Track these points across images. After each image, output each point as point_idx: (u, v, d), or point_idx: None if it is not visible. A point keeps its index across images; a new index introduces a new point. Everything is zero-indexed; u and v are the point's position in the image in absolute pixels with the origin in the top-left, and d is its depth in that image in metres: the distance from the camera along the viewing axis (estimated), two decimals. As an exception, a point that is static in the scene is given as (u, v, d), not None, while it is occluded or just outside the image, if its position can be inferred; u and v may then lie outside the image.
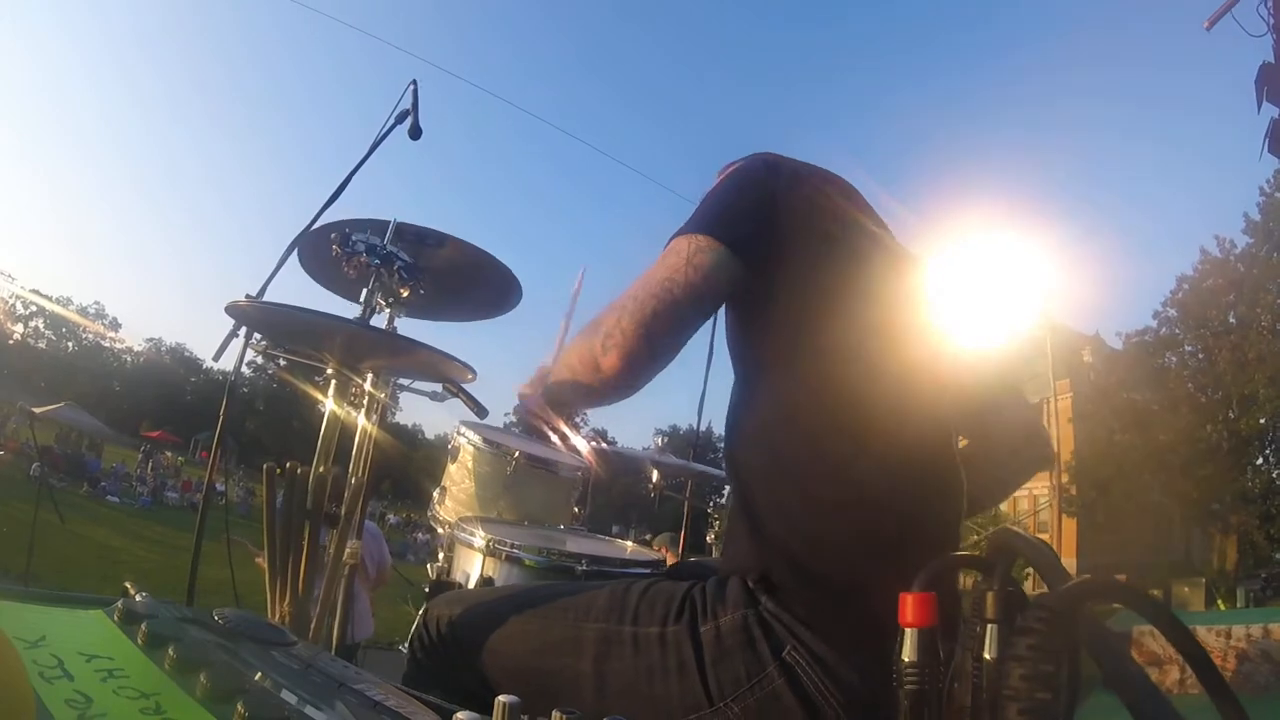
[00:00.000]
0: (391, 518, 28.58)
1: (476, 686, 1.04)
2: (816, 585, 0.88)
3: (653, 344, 0.97)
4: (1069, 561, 19.07)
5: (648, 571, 1.55)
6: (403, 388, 1.78)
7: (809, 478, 0.94)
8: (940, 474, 1.00)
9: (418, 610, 1.23)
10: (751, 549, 0.95)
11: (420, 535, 22.84)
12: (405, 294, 1.65)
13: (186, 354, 54.28)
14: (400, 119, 1.79)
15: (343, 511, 1.43)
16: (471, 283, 1.84)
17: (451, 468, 2.05)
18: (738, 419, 1.05)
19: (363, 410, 1.56)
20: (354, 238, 1.56)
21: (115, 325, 54.98)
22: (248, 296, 1.48)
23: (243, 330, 1.52)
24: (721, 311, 1.08)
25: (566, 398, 1.08)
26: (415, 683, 1.10)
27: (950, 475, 1.02)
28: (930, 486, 0.97)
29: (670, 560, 3.62)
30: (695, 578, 1.03)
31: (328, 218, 1.70)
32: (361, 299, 1.60)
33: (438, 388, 1.75)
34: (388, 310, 1.72)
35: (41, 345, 49.93)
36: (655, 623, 0.95)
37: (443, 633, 1.10)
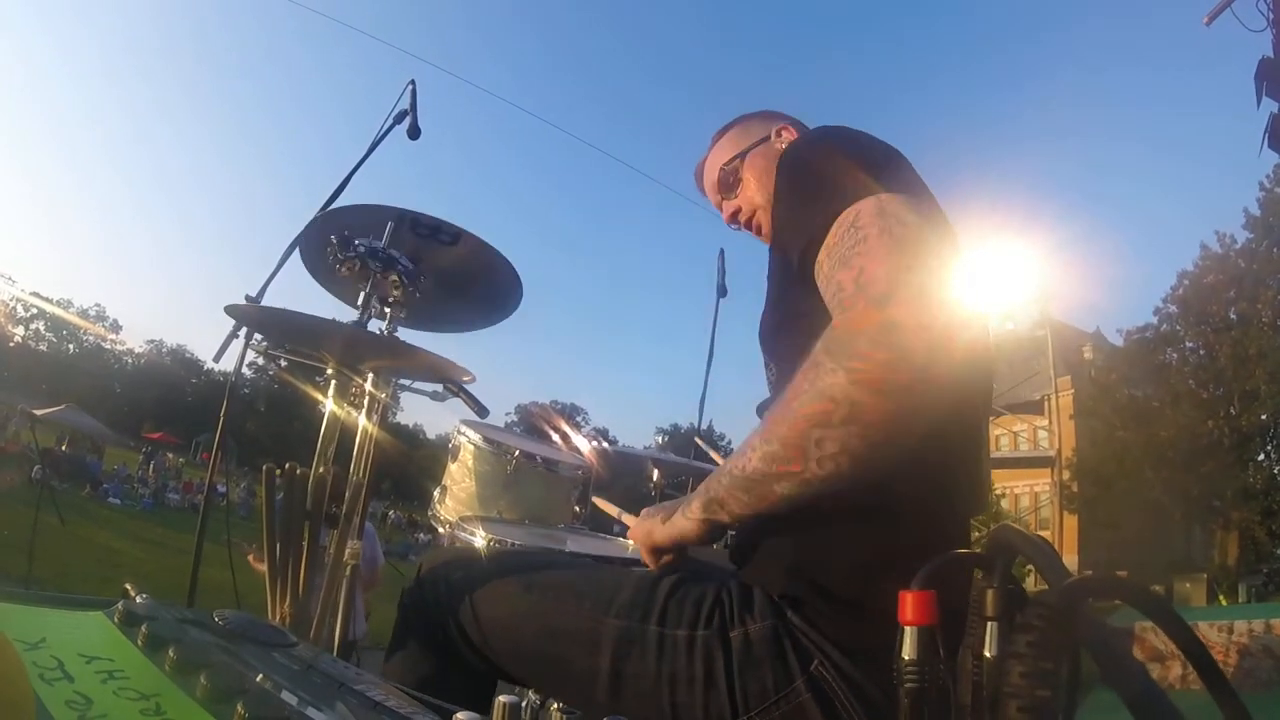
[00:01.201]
0: (393, 514, 28.56)
1: (472, 658, 1.00)
2: (841, 600, 0.84)
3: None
4: (1071, 558, 19.09)
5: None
6: (403, 388, 1.78)
7: (837, 494, 0.85)
8: (972, 492, 0.95)
9: None
10: (773, 564, 0.89)
11: (421, 535, 22.85)
12: (401, 297, 1.65)
13: (187, 355, 54.38)
14: (399, 119, 1.80)
15: (343, 512, 1.44)
16: (473, 283, 1.84)
17: (452, 467, 2.05)
18: None
19: (363, 410, 1.56)
20: (355, 241, 1.56)
21: (116, 327, 55.15)
22: (247, 298, 1.48)
23: (243, 331, 1.52)
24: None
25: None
26: (402, 644, 1.07)
27: (981, 481, 0.98)
28: (961, 505, 0.93)
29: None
30: (705, 576, 0.99)
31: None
32: (359, 302, 1.60)
33: (438, 387, 1.76)
34: (387, 311, 1.72)
35: (42, 348, 50.01)
36: (684, 625, 0.89)
37: (440, 595, 1.04)
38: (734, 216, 1.23)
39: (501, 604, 0.99)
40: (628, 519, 1.16)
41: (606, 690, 0.90)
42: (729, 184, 1.23)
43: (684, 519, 0.94)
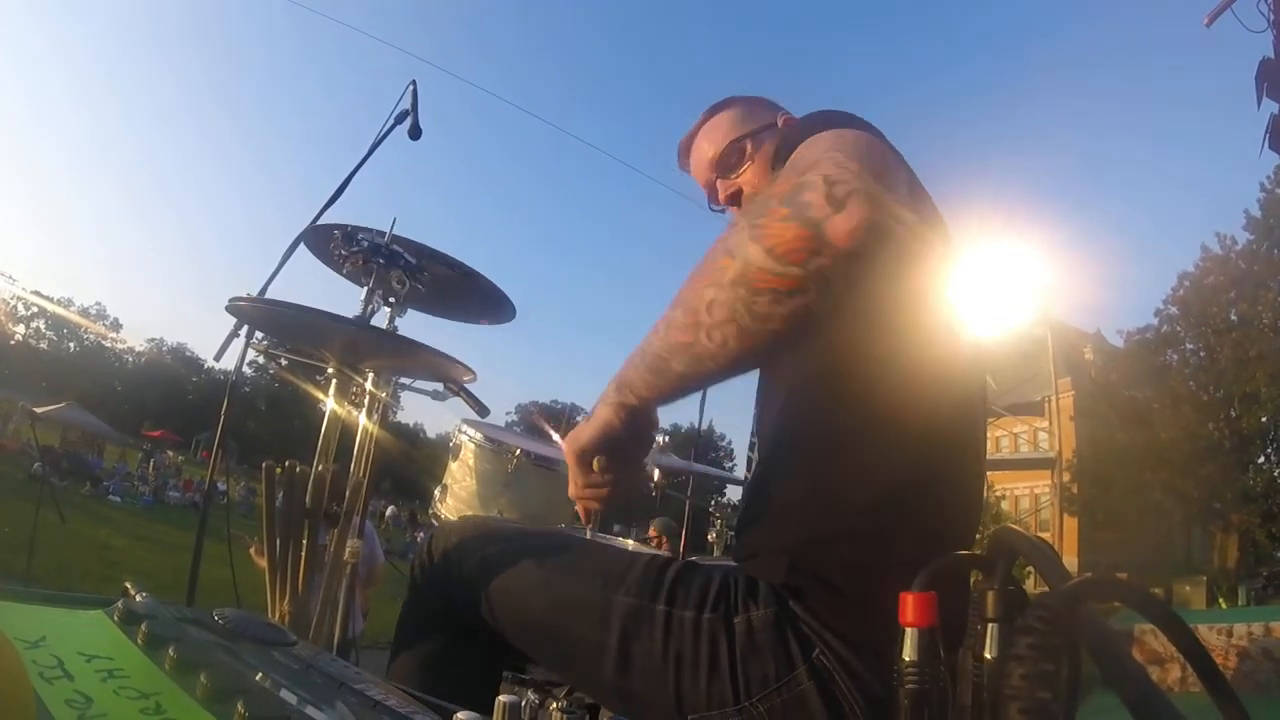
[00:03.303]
0: (391, 508, 28.51)
1: (480, 627, 1.00)
2: (843, 593, 0.84)
3: (886, 218, 0.63)
4: (1070, 560, 19.08)
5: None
6: (404, 387, 1.78)
7: (839, 487, 0.88)
8: (970, 480, 0.96)
9: None
10: (775, 557, 0.89)
11: (421, 534, 22.84)
12: (404, 291, 1.65)
13: (188, 354, 54.53)
14: (400, 119, 1.79)
15: (343, 510, 1.44)
16: (466, 293, 1.85)
17: (453, 466, 2.05)
18: (772, 420, 0.99)
19: (364, 409, 1.56)
20: (359, 236, 1.56)
21: (116, 326, 55.26)
22: (249, 295, 1.48)
23: (244, 330, 1.52)
24: None
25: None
26: (412, 614, 1.07)
27: (978, 480, 0.99)
28: (961, 495, 0.93)
29: (664, 547, 3.61)
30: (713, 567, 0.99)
31: (329, 218, 1.70)
32: (362, 297, 1.60)
33: (439, 387, 1.76)
34: (389, 309, 1.72)
35: (43, 346, 50.09)
36: (691, 607, 0.89)
37: (451, 561, 1.04)
38: (732, 198, 1.19)
39: (513, 574, 0.99)
40: (559, 439, 1.13)
41: (613, 667, 0.90)
42: (730, 164, 1.18)
43: (602, 407, 0.86)
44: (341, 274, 1.71)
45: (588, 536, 1.92)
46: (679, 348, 0.74)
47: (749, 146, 1.17)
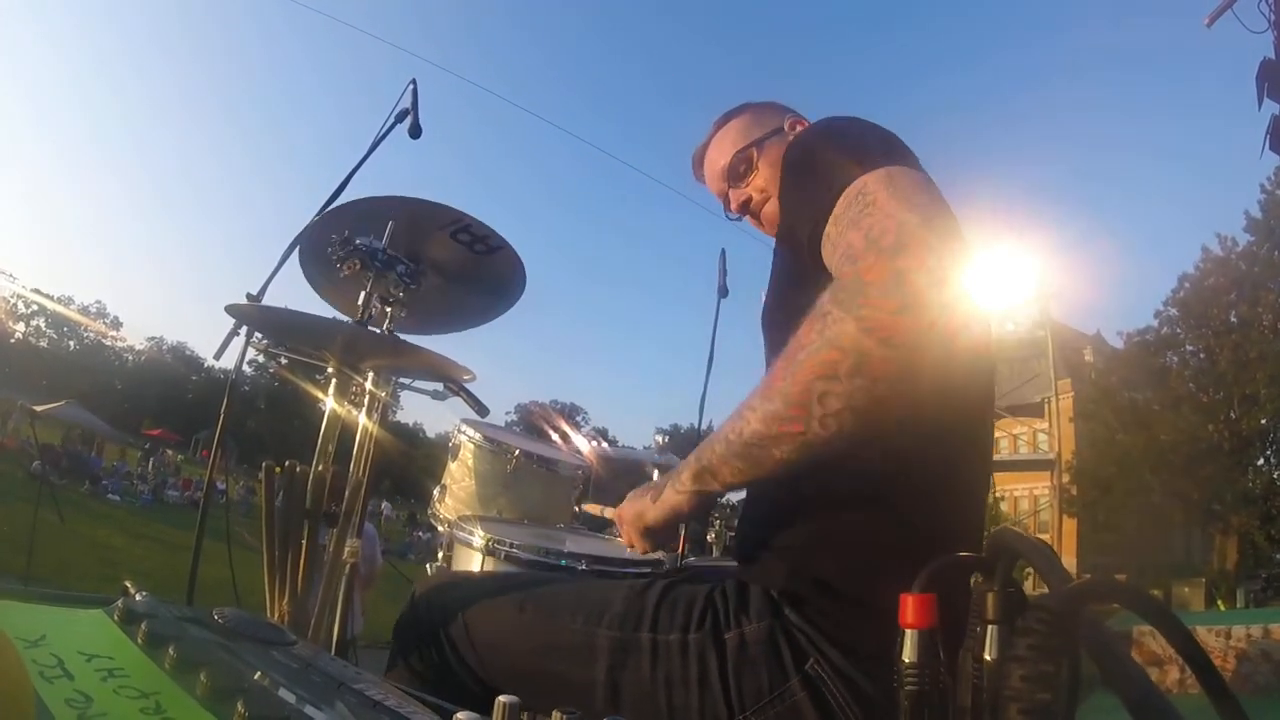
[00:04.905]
0: (387, 505, 28.36)
1: (468, 680, 1.01)
2: (841, 599, 0.84)
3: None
4: (1069, 561, 19.06)
5: (649, 571, 1.54)
6: (404, 386, 1.78)
7: (842, 490, 0.87)
8: (974, 489, 0.95)
9: None
10: (776, 560, 0.89)
11: (421, 534, 22.83)
12: (402, 295, 1.65)
13: (188, 353, 54.54)
14: (400, 118, 1.79)
15: (342, 510, 1.44)
16: (479, 281, 1.84)
17: (452, 466, 2.05)
18: None
19: (363, 409, 1.56)
20: (356, 240, 1.56)
21: (116, 324, 55.27)
22: (249, 297, 1.48)
23: (244, 329, 1.52)
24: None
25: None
26: (399, 669, 1.07)
27: (983, 489, 0.98)
28: (963, 502, 0.93)
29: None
30: (703, 579, 0.99)
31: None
32: (360, 301, 1.60)
33: (439, 386, 1.76)
34: (388, 311, 1.72)
35: (43, 344, 50.09)
36: (676, 629, 0.89)
37: (434, 619, 1.05)
38: (743, 206, 1.20)
39: (495, 624, 1.00)
40: (611, 513, 1.16)
41: (604, 701, 0.91)
42: (739, 172, 1.20)
43: (675, 493, 0.91)
44: (328, 299, 1.71)
45: (585, 536, 1.92)
46: (785, 438, 0.75)
47: (755, 154, 1.19)
